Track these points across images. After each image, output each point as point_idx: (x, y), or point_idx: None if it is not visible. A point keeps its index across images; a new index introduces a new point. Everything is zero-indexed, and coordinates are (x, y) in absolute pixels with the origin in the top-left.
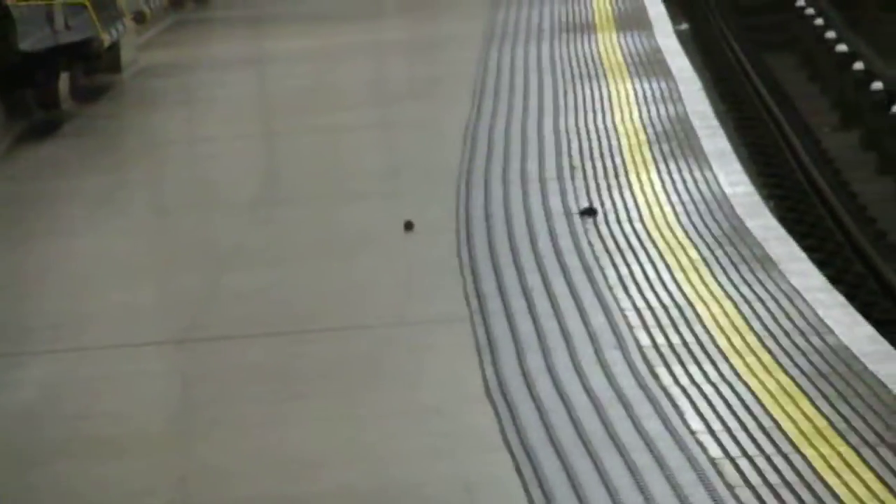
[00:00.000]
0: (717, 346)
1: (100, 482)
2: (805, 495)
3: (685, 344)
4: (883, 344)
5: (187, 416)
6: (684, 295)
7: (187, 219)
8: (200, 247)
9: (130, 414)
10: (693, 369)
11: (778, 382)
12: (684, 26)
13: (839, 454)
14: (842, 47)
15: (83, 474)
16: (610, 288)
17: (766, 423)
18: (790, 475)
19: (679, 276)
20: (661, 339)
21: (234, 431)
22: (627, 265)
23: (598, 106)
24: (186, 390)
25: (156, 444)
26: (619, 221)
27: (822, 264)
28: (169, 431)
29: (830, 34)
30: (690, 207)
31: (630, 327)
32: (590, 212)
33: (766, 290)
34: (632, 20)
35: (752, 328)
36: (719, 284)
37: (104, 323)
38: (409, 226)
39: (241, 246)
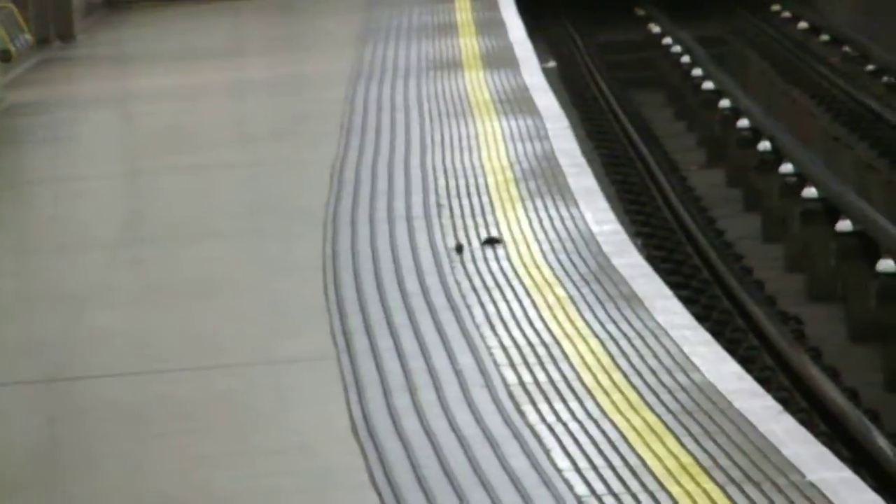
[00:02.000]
0: (584, 384)
1: None
2: None
3: (552, 382)
4: (748, 381)
5: (44, 457)
6: (551, 333)
7: (49, 259)
8: (61, 287)
9: None
10: (559, 407)
11: (644, 420)
12: (551, 64)
13: (705, 491)
14: (708, 84)
15: None
16: (477, 326)
17: (632, 460)
18: None
19: (546, 314)
20: (527, 377)
21: (90, 471)
22: (494, 303)
23: (465, 144)
24: (44, 431)
25: (11, 485)
26: (485, 259)
27: (689, 301)
28: (25, 473)
29: (697, 71)
30: (557, 245)
31: (497, 365)
32: (460, 248)
33: (633, 327)
34: (499, 58)
35: (618, 366)
36: (586, 322)
37: None
38: (459, 248)
39: (102, 286)
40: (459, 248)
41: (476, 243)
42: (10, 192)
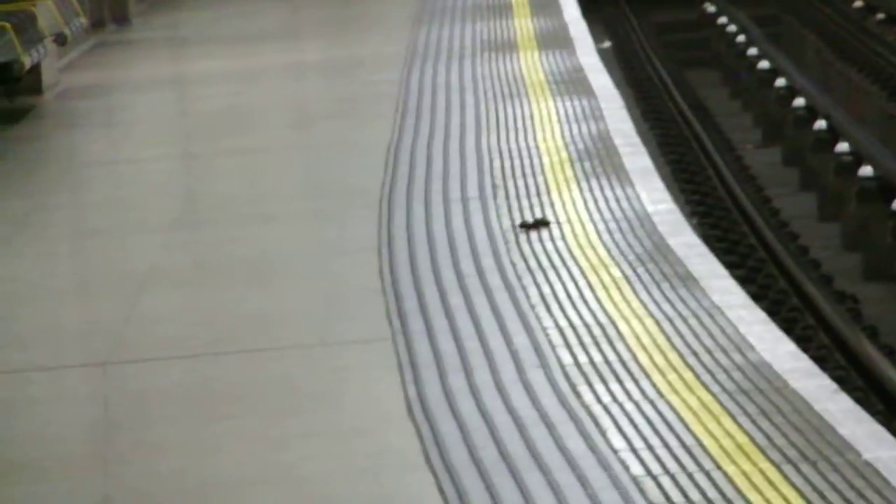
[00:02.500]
0: (640, 364)
1: None
2: None
3: (607, 362)
4: (804, 360)
5: (108, 438)
6: (606, 313)
7: (107, 241)
8: (119, 269)
9: (50, 437)
10: (615, 387)
11: (700, 400)
12: (606, 44)
13: (761, 471)
14: (764, 64)
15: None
16: (532, 307)
17: (688, 440)
18: (712, 492)
19: (601, 294)
20: (583, 358)
21: (154, 454)
22: (549, 284)
23: (520, 125)
24: (106, 413)
25: (76, 467)
26: (540, 240)
27: (744, 281)
28: (89, 454)
29: (752, 51)
30: (612, 226)
31: (552, 346)
32: (541, 223)
33: (688, 307)
34: (553, 39)
35: (674, 346)
36: (641, 302)
37: (22, 346)
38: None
39: (159, 268)
40: (533, 225)
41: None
42: (67, 174)
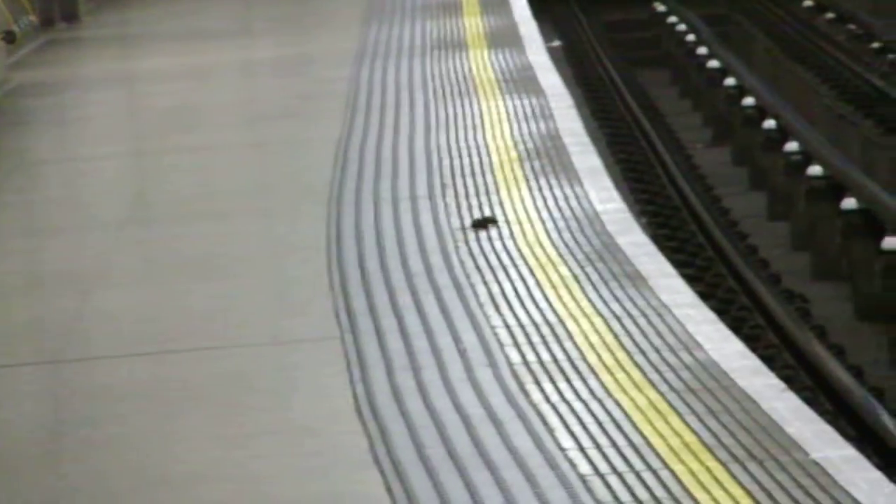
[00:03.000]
0: (588, 363)
1: None
2: None
3: (555, 361)
4: (752, 359)
5: (58, 436)
6: (555, 312)
7: (57, 239)
8: (69, 267)
9: (0, 434)
10: (563, 386)
11: (648, 398)
12: (556, 43)
13: (708, 469)
14: (713, 63)
15: None
16: (481, 305)
17: (636, 439)
18: (660, 491)
19: (550, 293)
20: (531, 357)
21: (104, 452)
22: (498, 283)
23: (469, 123)
24: (56, 411)
25: (25, 465)
26: (489, 238)
27: (692, 280)
28: (39, 452)
29: (702, 50)
30: (561, 224)
31: (501, 344)
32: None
33: (637, 306)
34: (503, 37)
35: (622, 345)
36: (590, 301)
37: None
38: (480, 224)
39: (108, 266)
40: (482, 223)
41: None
42: (17, 172)
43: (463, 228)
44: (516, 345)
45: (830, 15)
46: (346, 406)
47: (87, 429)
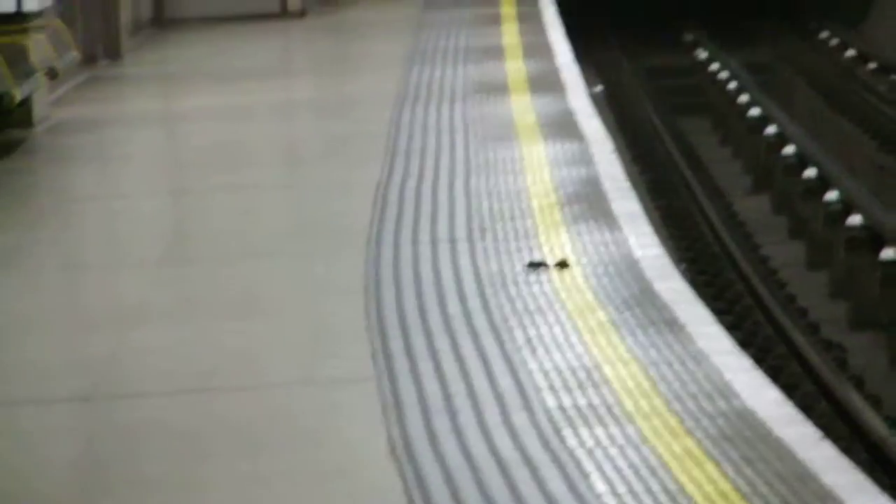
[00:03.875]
0: (624, 409)
1: None
2: None
3: (592, 406)
4: (789, 408)
5: (92, 473)
6: (592, 357)
7: (95, 276)
8: (107, 305)
9: (34, 471)
10: (599, 432)
11: (683, 446)
12: (598, 88)
13: None
14: (755, 111)
15: None
16: (518, 349)
17: (671, 486)
18: None
19: (587, 338)
20: (567, 402)
21: (139, 490)
22: (536, 327)
23: (509, 167)
24: (91, 448)
25: (58, 501)
26: (528, 283)
27: (731, 328)
28: (73, 489)
29: (743, 97)
30: (600, 270)
31: (537, 389)
32: (538, 265)
33: (674, 353)
34: (545, 82)
35: (658, 391)
36: (627, 347)
37: (8, 379)
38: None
39: (147, 304)
40: (536, 265)
41: (519, 266)
42: (57, 209)
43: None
44: (553, 389)
45: (873, 65)
46: (382, 448)
47: (123, 468)
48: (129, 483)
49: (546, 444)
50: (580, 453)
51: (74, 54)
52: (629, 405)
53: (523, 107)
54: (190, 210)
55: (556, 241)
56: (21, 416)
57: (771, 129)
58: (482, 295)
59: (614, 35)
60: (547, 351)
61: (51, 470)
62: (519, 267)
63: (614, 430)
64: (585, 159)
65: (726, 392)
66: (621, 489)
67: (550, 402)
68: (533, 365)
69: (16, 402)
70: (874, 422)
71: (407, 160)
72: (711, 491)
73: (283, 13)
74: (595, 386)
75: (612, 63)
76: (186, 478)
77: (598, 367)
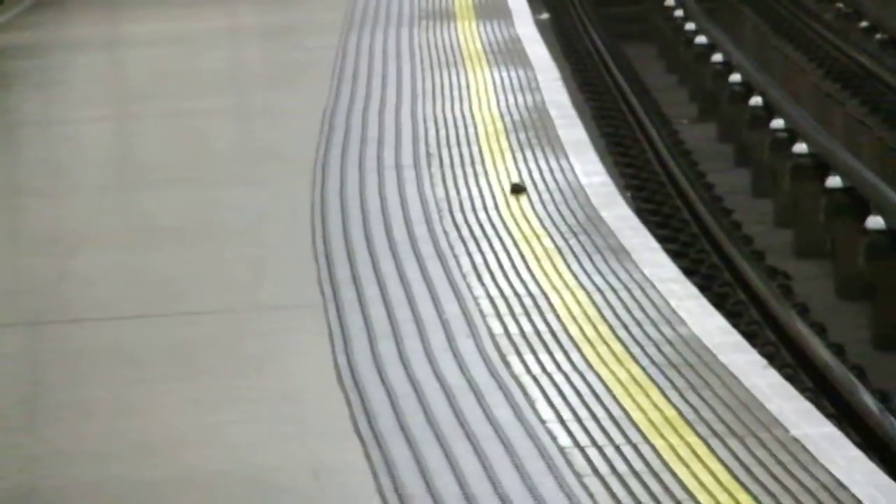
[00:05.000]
0: (570, 336)
1: None
2: (653, 484)
3: (537, 333)
4: (734, 335)
5: (34, 399)
6: (538, 284)
7: (38, 202)
8: (50, 230)
9: None
10: (544, 358)
11: (628, 372)
12: (545, 16)
13: (688, 444)
14: (701, 39)
15: None
16: (464, 276)
17: (616, 412)
18: (639, 464)
19: (533, 265)
20: (513, 328)
21: (82, 415)
22: (482, 253)
23: (455, 94)
24: (34, 373)
25: (4, 426)
26: (474, 210)
27: (677, 255)
28: (15, 415)
29: (690, 25)
30: (546, 197)
31: (483, 315)
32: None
33: (620, 280)
34: (491, 9)
35: (604, 318)
36: (573, 274)
37: None
38: (517, 189)
39: (89, 230)
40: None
41: (465, 192)
42: (1, 135)
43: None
44: (498, 315)
45: None
46: (328, 374)
47: (66, 392)
48: (71, 409)
49: (492, 370)
50: (525, 380)
51: None
52: (575, 332)
53: (469, 33)
54: (134, 136)
55: (502, 168)
56: None
57: (717, 57)
58: (428, 221)
59: None
60: (493, 277)
61: None
62: (465, 192)
63: (559, 356)
64: (532, 86)
65: (672, 319)
66: (567, 415)
67: (496, 328)
68: (479, 291)
69: None
70: (819, 349)
71: (353, 86)
72: (656, 417)
73: None
74: (541, 312)
75: None
76: (127, 403)
77: (544, 293)
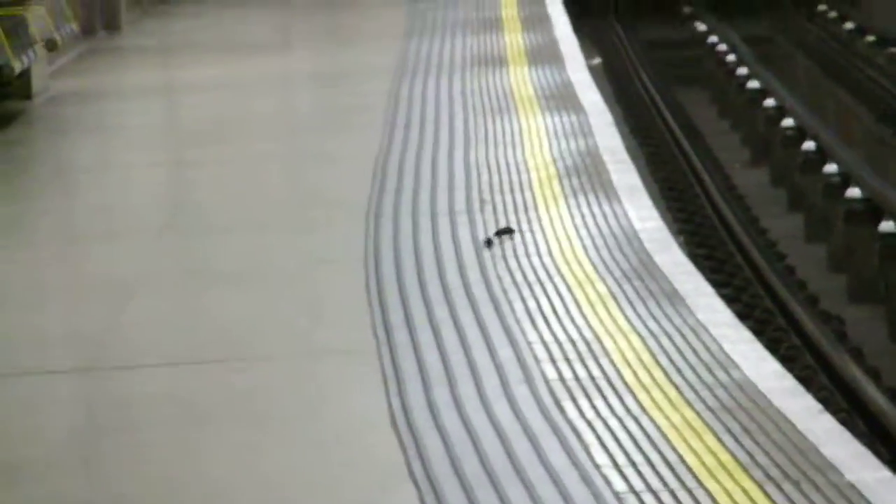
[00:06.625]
0: (624, 381)
1: None
2: None
3: (591, 378)
4: (789, 379)
5: (91, 444)
6: (591, 329)
7: (93, 247)
8: (105, 276)
9: (33, 441)
10: (599, 403)
11: (683, 417)
12: (597, 61)
13: (743, 489)
14: (753, 84)
15: None
16: (517, 321)
17: (671, 457)
18: None
19: (587, 310)
20: (567, 373)
21: (138, 460)
22: (535, 298)
23: (508, 139)
24: (90, 419)
25: (60, 470)
26: (527, 255)
27: (730, 300)
28: (72, 459)
29: (742, 70)
30: (599, 242)
31: (537, 360)
32: (505, 231)
33: (674, 324)
34: (544, 54)
35: (658, 363)
36: (626, 319)
37: (7, 350)
38: (489, 243)
39: (146, 274)
40: (489, 243)
41: (518, 238)
42: (55, 180)
43: (487, 242)
44: (552, 360)
45: (871, 38)
46: (382, 419)
47: (122, 436)
48: (126, 452)
49: (546, 415)
50: (580, 425)
51: (73, 26)
52: (629, 377)
53: (522, 79)
54: (189, 181)
55: (555, 213)
56: (21, 386)
57: (770, 102)
58: (482, 267)
59: (613, 7)
60: (547, 322)
61: (50, 439)
62: (518, 238)
63: (614, 401)
64: (584, 131)
65: (726, 363)
66: (621, 460)
67: (550, 373)
68: (532, 336)
69: (16, 373)
70: (873, 394)
71: (406, 132)
72: (711, 462)
73: None
74: (595, 357)
75: (609, 35)
76: (182, 448)
77: (597, 338)
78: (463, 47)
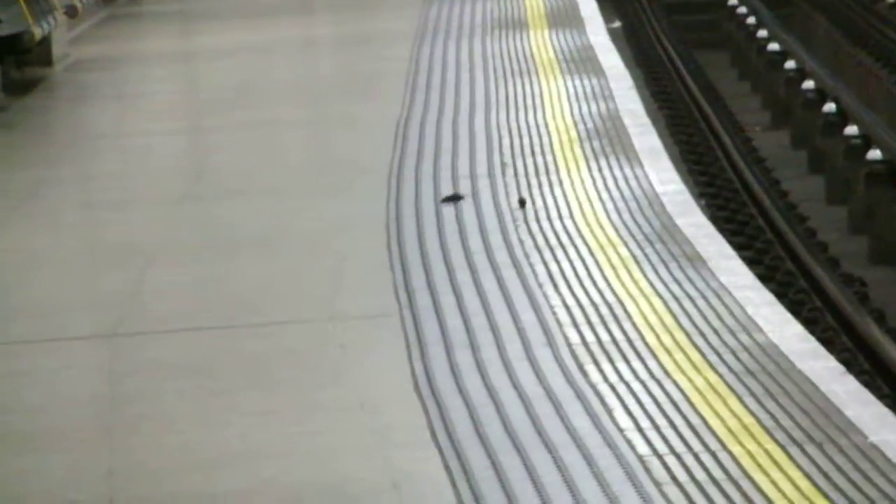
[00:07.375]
0: (647, 344)
1: (21, 475)
2: (732, 492)
3: (614, 341)
4: (811, 342)
5: (113, 411)
6: (614, 293)
7: (114, 214)
8: (127, 242)
9: (54, 409)
10: (622, 367)
11: (706, 380)
12: (616, 24)
13: (766, 451)
14: (774, 46)
15: (2, 466)
16: (540, 285)
17: (694, 420)
18: (717, 472)
19: (609, 273)
20: (590, 337)
21: (160, 427)
22: (557, 262)
23: (529, 103)
24: (112, 386)
25: (79, 438)
26: (549, 218)
27: (752, 262)
28: (93, 427)
29: (762, 33)
30: (621, 205)
31: (559, 324)
32: (455, 198)
33: (696, 287)
34: (564, 18)
35: (681, 326)
36: (649, 282)
37: (28, 318)
38: (522, 203)
39: (165, 241)
40: (522, 203)
41: (540, 202)
42: (75, 146)
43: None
44: (575, 324)
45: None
46: (405, 383)
47: (144, 403)
48: (150, 420)
49: (569, 379)
50: (603, 388)
51: None
52: (652, 340)
53: (542, 42)
54: (210, 146)
55: (577, 177)
56: (42, 353)
57: (790, 64)
58: (503, 230)
59: None
60: (569, 286)
61: (71, 406)
62: (540, 202)
63: (637, 364)
64: (605, 95)
65: (748, 326)
66: (644, 424)
67: (573, 337)
68: (555, 300)
69: (37, 339)
70: (895, 355)
71: (427, 96)
72: (735, 424)
73: None
74: (617, 321)
75: None
76: (205, 414)
77: (620, 301)
78: (483, 11)
